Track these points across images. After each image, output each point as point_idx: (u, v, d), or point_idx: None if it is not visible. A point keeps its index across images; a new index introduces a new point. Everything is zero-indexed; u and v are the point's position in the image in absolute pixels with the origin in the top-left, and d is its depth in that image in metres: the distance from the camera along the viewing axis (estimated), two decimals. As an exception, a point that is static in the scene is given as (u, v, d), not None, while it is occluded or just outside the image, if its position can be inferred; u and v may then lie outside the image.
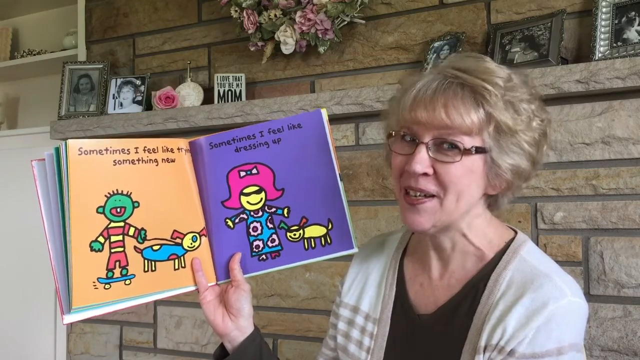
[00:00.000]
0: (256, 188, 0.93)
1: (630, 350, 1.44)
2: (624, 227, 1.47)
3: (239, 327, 0.94)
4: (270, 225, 0.94)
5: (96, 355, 2.30)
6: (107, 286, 0.84)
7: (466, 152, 0.82)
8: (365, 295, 1.01)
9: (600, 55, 1.50)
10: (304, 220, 0.93)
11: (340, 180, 0.93)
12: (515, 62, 1.60)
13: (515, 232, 0.93)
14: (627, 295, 1.46)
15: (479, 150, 0.83)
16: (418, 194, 0.86)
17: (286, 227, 0.94)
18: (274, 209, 0.94)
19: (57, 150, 0.83)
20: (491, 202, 0.91)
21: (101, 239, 0.84)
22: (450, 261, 0.92)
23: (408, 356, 0.91)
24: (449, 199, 0.85)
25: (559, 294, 0.81)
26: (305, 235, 0.93)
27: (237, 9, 1.97)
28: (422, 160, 0.84)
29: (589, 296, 1.49)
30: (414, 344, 0.92)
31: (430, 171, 0.84)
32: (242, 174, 0.93)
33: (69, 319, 0.83)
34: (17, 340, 2.52)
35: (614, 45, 1.49)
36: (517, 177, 0.87)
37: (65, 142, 0.82)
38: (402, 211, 0.90)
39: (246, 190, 0.93)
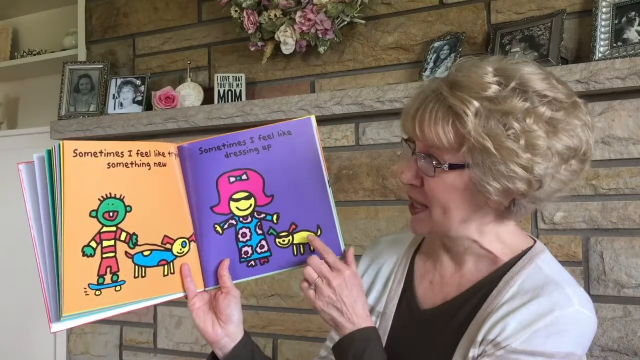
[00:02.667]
0: (245, 194, 0.93)
1: (630, 350, 1.44)
2: (624, 227, 1.47)
3: (228, 333, 0.94)
4: (260, 231, 0.94)
5: (96, 355, 2.30)
6: (97, 292, 0.82)
7: (439, 168, 0.82)
8: (373, 289, 1.01)
9: (600, 55, 1.50)
10: (293, 226, 0.94)
11: (329, 186, 0.94)
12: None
13: (535, 241, 0.92)
14: (627, 295, 1.46)
15: (454, 167, 0.81)
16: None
17: (275, 233, 0.94)
18: (263, 215, 0.94)
19: (49, 152, 0.81)
20: (505, 211, 0.85)
21: (93, 244, 0.82)
22: (462, 263, 0.92)
23: (408, 350, 0.92)
24: (435, 211, 0.85)
25: (566, 303, 0.80)
26: (295, 241, 0.94)
27: (237, 9, 1.97)
28: (407, 171, 0.86)
29: (589, 296, 1.49)
30: (414, 338, 0.92)
31: (417, 182, 0.86)
32: (232, 179, 0.93)
33: (58, 327, 0.80)
34: (17, 340, 2.52)
35: (614, 45, 1.49)
36: (505, 197, 0.81)
37: (59, 144, 0.80)
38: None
39: (235, 196, 0.93)
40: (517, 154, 0.76)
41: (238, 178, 0.93)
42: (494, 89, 0.78)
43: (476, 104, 0.77)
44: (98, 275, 0.82)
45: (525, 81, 0.79)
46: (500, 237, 0.89)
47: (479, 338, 0.82)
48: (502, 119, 0.77)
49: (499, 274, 0.88)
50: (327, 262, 0.89)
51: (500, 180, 0.78)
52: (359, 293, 0.90)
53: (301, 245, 0.94)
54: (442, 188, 0.83)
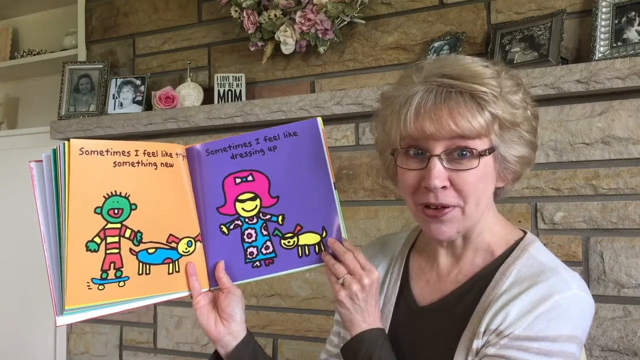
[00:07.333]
0: (251, 195, 0.94)
1: (630, 350, 1.44)
2: (624, 227, 1.47)
3: (231, 332, 0.94)
4: (265, 232, 0.94)
5: (96, 355, 2.30)
6: (100, 287, 0.83)
7: (481, 155, 0.83)
8: None
9: (600, 55, 1.50)
10: (298, 227, 0.94)
11: (335, 188, 0.93)
12: (515, 62, 1.60)
13: (525, 232, 0.94)
14: (627, 295, 1.46)
15: (490, 151, 0.84)
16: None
17: (280, 235, 0.94)
18: (268, 216, 0.94)
19: (55, 151, 0.82)
20: (497, 192, 0.92)
21: (97, 240, 0.83)
22: (461, 258, 0.93)
23: (409, 348, 0.92)
24: (470, 206, 0.85)
25: (565, 286, 0.82)
26: (300, 243, 0.94)
27: (237, 9, 1.98)
28: (439, 174, 0.82)
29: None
30: (415, 335, 0.93)
31: (447, 184, 0.84)
32: (238, 180, 0.93)
33: (62, 320, 0.81)
34: (17, 340, 2.52)
35: (614, 45, 1.49)
36: (522, 165, 0.89)
37: (64, 143, 0.82)
38: (422, 224, 0.90)
39: (241, 197, 0.94)
40: (531, 121, 0.88)
41: (244, 179, 0.93)
42: (489, 73, 0.84)
43: (492, 87, 0.82)
44: (102, 270, 0.83)
45: (500, 66, 0.88)
46: (494, 229, 0.92)
47: (482, 329, 0.83)
48: (514, 95, 0.85)
49: (494, 266, 0.89)
50: (358, 261, 0.89)
51: (520, 150, 0.86)
52: (379, 296, 0.92)
53: (306, 247, 0.94)
54: (479, 177, 0.84)
